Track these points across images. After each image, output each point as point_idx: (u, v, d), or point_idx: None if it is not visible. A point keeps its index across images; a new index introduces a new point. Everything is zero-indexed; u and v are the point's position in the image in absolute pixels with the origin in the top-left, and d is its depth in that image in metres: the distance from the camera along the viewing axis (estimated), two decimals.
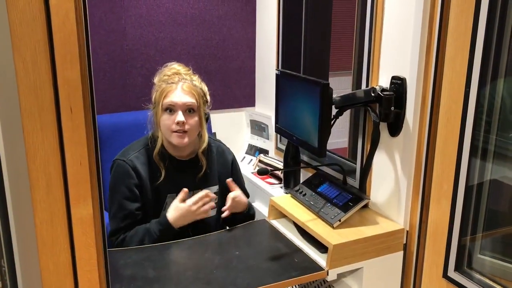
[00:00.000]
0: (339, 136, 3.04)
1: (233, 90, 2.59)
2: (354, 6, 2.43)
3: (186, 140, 1.67)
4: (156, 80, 1.74)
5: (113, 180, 1.72)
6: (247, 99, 2.63)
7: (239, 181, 1.91)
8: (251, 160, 2.53)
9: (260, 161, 2.38)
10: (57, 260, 0.97)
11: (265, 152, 2.50)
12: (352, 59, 2.90)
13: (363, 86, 1.67)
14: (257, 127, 2.56)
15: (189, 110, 1.67)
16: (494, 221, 1.40)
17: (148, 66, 2.33)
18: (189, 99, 1.66)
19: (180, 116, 1.64)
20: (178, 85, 1.66)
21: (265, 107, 2.57)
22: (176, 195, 1.69)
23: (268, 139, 2.49)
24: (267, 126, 2.47)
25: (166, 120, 1.66)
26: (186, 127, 1.66)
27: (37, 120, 0.89)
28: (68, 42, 0.90)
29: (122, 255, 1.56)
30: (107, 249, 1.42)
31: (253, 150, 2.58)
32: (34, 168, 0.90)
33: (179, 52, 2.37)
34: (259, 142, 2.57)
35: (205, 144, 1.77)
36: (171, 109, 1.66)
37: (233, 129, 2.60)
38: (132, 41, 2.28)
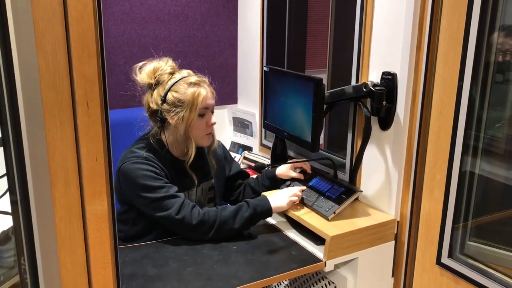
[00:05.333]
0: None
1: (216, 88, 2.57)
2: (327, 5, 2.49)
3: (210, 140, 1.75)
4: (148, 77, 1.65)
5: (136, 178, 1.58)
6: (229, 97, 2.64)
7: (236, 166, 1.96)
8: (235, 157, 2.54)
9: (245, 158, 2.39)
10: (74, 258, 0.96)
11: (249, 149, 2.52)
12: (327, 57, 2.96)
13: (353, 82, 1.71)
14: (240, 124, 2.58)
15: (211, 111, 1.72)
16: (484, 208, 1.47)
17: (131, 64, 2.28)
18: (214, 101, 1.72)
19: (213, 118, 1.71)
20: (204, 86, 1.68)
21: (247, 104, 2.58)
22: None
23: (251, 136, 2.51)
24: (251, 123, 2.49)
25: (200, 124, 1.67)
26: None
27: (57, 116, 0.88)
28: (85, 37, 0.89)
29: (119, 254, 1.55)
30: None
31: (236, 147, 2.59)
32: (54, 165, 0.89)
33: (162, 49, 2.35)
34: (242, 139, 2.58)
35: (215, 144, 1.83)
36: (204, 113, 1.67)
37: (215, 127, 2.60)
38: (114, 38, 2.25)
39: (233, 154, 2.57)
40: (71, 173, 0.92)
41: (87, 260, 1.00)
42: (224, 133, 2.66)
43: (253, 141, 2.51)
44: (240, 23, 2.56)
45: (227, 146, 2.62)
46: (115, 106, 2.30)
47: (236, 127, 2.61)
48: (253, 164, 2.29)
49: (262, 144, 2.42)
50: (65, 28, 0.88)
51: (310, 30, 3.29)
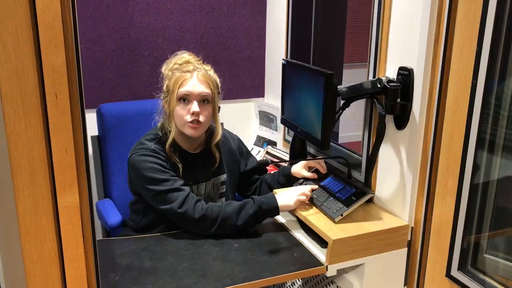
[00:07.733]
0: (353, 129, 2.96)
1: (242, 80, 2.55)
2: None
3: (199, 131, 1.63)
4: (164, 69, 1.68)
5: (142, 170, 1.59)
6: (256, 90, 2.59)
7: (252, 161, 1.90)
8: (259, 151, 2.50)
9: (267, 152, 2.34)
10: (41, 249, 0.95)
11: (273, 143, 2.47)
12: (368, 50, 2.83)
13: (370, 77, 1.61)
14: (266, 118, 2.53)
15: (203, 100, 1.62)
16: (501, 219, 1.34)
17: (155, 55, 2.31)
18: (204, 89, 1.61)
19: (195, 106, 1.59)
20: (194, 73, 1.62)
21: (274, 98, 2.52)
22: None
23: (276, 130, 2.46)
24: (276, 117, 2.43)
25: (180, 110, 1.60)
26: (201, 118, 1.60)
27: (20, 105, 0.87)
28: (52, 27, 0.88)
29: (119, 244, 1.55)
30: (108, 238, 1.39)
31: (262, 142, 2.54)
32: (16, 155, 0.88)
33: (187, 41, 2.34)
34: (267, 134, 2.53)
35: (219, 137, 1.72)
36: (186, 98, 1.60)
37: (241, 120, 2.56)
38: (139, 29, 2.26)
39: (257, 149, 2.52)
40: (38, 163, 0.92)
41: (61, 252, 1.00)
42: (250, 127, 2.62)
43: (278, 136, 2.45)
44: (269, 14, 2.50)
45: (253, 140, 2.57)
46: (139, 97, 2.32)
47: (262, 121, 2.56)
48: (275, 160, 2.24)
49: (285, 139, 2.36)
50: (34, 17, 0.87)
51: (351, 21, 3.16)
